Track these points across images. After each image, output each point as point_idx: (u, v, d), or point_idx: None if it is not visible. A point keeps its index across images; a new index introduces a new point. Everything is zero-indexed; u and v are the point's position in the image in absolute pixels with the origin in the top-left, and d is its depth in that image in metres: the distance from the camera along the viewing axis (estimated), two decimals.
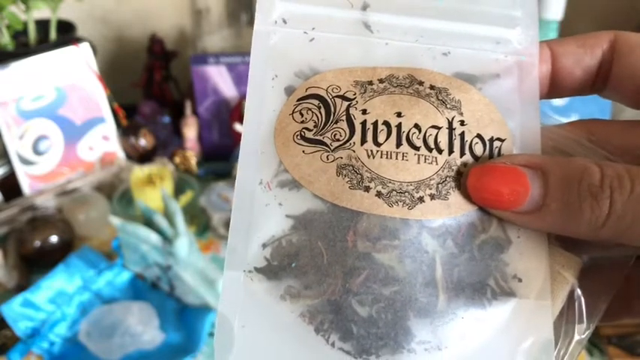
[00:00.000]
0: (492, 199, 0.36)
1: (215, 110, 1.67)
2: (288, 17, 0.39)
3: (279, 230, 0.36)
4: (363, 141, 0.37)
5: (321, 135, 0.37)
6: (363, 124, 0.37)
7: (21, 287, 1.20)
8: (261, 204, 0.36)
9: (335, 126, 0.37)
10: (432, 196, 0.36)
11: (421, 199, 0.36)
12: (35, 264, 1.29)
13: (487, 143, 0.38)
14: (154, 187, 1.37)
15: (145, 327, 1.10)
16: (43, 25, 1.51)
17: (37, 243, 1.27)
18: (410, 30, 0.40)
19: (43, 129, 1.46)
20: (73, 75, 1.48)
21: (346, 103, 0.38)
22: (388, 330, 0.35)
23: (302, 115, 0.38)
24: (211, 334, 1.10)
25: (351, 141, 0.37)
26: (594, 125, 0.40)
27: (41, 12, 1.47)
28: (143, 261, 1.19)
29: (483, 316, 0.36)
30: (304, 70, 0.39)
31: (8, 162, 1.43)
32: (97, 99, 1.53)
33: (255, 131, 0.38)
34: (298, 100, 0.38)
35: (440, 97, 0.38)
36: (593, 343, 1.14)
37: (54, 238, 1.29)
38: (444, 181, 0.36)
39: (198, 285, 1.16)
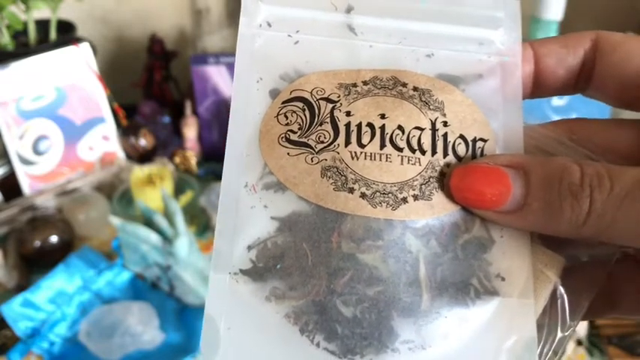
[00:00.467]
0: (475, 199, 0.36)
1: (215, 110, 1.67)
2: (272, 20, 0.40)
3: (264, 232, 0.36)
4: (347, 143, 0.37)
5: (305, 137, 0.37)
6: (347, 126, 0.37)
7: (21, 287, 1.20)
8: (247, 206, 0.37)
9: (319, 128, 0.37)
10: (416, 197, 0.36)
11: (405, 200, 0.36)
12: (35, 264, 1.29)
13: (470, 144, 0.38)
14: (154, 187, 1.37)
15: (145, 327, 1.10)
16: (43, 25, 1.52)
17: (37, 243, 1.27)
18: (394, 32, 0.40)
19: (43, 129, 1.46)
20: (73, 75, 1.48)
21: (330, 106, 0.38)
22: (372, 330, 0.35)
23: (287, 117, 0.38)
24: None
25: (336, 143, 0.37)
26: (576, 124, 0.40)
27: (41, 12, 1.47)
28: (143, 261, 1.19)
29: (467, 315, 0.36)
30: (289, 73, 0.39)
31: (8, 162, 1.44)
32: (97, 99, 1.54)
33: (241, 134, 0.38)
34: (283, 103, 0.38)
35: (423, 99, 0.38)
36: (593, 343, 1.14)
37: (54, 238, 1.29)
38: (427, 182, 0.37)
39: (198, 285, 1.16)
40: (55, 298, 1.14)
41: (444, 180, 0.37)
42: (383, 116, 0.38)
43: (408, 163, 0.37)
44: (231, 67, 1.61)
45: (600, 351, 1.12)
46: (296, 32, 0.40)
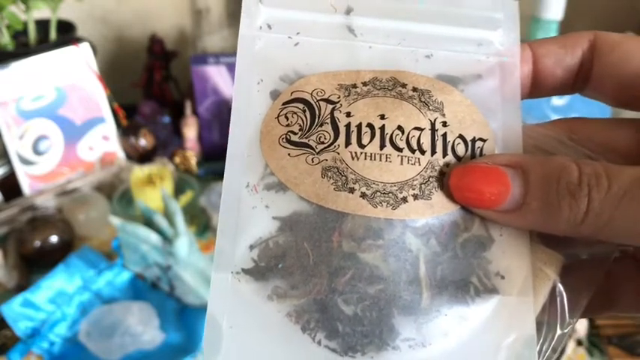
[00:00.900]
0: (474, 199, 0.36)
1: (215, 110, 1.67)
2: (272, 22, 0.40)
3: (266, 232, 0.37)
4: (348, 143, 0.37)
5: (306, 138, 0.38)
6: (348, 126, 0.38)
7: (21, 287, 1.20)
8: (248, 206, 0.37)
9: (320, 129, 0.38)
10: (416, 197, 0.37)
11: (405, 200, 0.36)
12: (35, 264, 1.29)
13: (469, 143, 0.39)
14: (154, 187, 1.37)
15: (145, 327, 1.10)
16: (43, 25, 1.52)
17: (37, 243, 1.27)
18: (393, 33, 0.40)
19: (43, 129, 1.46)
20: (73, 75, 1.48)
21: (331, 107, 0.38)
22: (373, 328, 0.35)
23: (287, 118, 0.38)
24: None
25: (336, 143, 0.37)
26: (575, 124, 0.41)
27: (41, 12, 1.47)
28: (143, 261, 1.19)
29: (467, 313, 0.36)
30: (289, 75, 0.39)
31: (8, 162, 1.44)
32: (97, 99, 1.54)
33: (242, 135, 0.38)
34: (283, 104, 0.39)
35: (422, 99, 0.39)
36: (593, 343, 1.14)
37: (54, 238, 1.29)
38: (426, 182, 0.37)
39: (198, 285, 1.16)
40: (55, 298, 1.14)
41: (443, 179, 0.37)
42: (383, 117, 0.38)
43: (408, 163, 0.37)
44: (231, 67, 1.61)
45: (600, 351, 1.13)
46: (296, 34, 0.40)
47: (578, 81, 0.41)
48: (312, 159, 0.37)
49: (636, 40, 0.39)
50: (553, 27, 1.49)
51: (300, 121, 0.38)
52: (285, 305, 0.35)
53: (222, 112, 1.66)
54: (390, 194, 0.36)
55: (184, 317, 1.17)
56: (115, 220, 1.15)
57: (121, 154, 1.60)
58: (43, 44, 1.49)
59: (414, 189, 0.37)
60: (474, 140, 0.39)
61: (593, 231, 0.34)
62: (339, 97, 0.39)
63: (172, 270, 1.16)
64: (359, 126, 0.38)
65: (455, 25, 0.41)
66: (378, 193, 0.36)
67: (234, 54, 0.39)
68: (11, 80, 1.40)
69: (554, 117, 1.41)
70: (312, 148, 0.37)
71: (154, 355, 1.09)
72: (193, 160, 1.61)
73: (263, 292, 0.36)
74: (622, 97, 0.40)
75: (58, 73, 1.46)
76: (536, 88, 0.41)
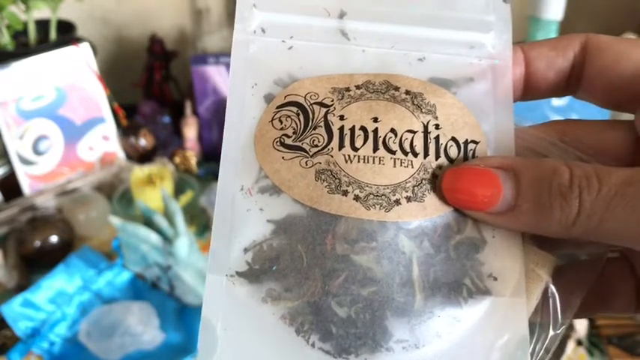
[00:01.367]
0: (467, 201, 0.37)
1: (215, 110, 1.67)
2: (266, 27, 0.40)
3: (260, 235, 0.37)
4: (341, 146, 0.37)
5: (300, 141, 0.38)
6: (341, 129, 0.38)
7: (21, 287, 1.20)
8: (243, 209, 0.37)
9: (313, 132, 0.38)
10: (409, 199, 0.37)
11: (398, 202, 0.37)
12: (35, 264, 1.29)
13: (462, 146, 0.39)
14: (154, 187, 1.37)
15: (145, 327, 1.10)
16: (43, 25, 1.52)
17: (37, 243, 1.28)
18: (386, 37, 0.41)
19: (43, 129, 1.46)
20: (73, 75, 1.49)
21: (324, 110, 0.39)
22: (367, 330, 0.35)
23: (281, 122, 0.38)
24: None
25: (329, 146, 0.38)
26: (567, 126, 0.41)
27: (41, 12, 1.47)
28: (143, 261, 1.19)
29: (460, 315, 0.36)
30: (283, 78, 0.40)
31: (8, 162, 1.44)
32: (97, 99, 1.54)
33: (236, 138, 0.38)
34: (277, 108, 0.39)
35: (415, 102, 0.39)
36: (594, 343, 1.14)
37: (54, 238, 1.29)
38: (419, 184, 0.37)
39: (198, 285, 1.16)
40: (55, 298, 1.15)
41: (436, 182, 0.38)
42: (376, 120, 0.38)
43: (401, 165, 0.37)
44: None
45: (600, 351, 1.13)
46: (290, 38, 0.40)
47: (570, 83, 0.41)
48: (306, 162, 0.37)
49: (627, 42, 0.39)
50: (553, 27, 1.49)
51: (294, 125, 0.38)
52: (279, 308, 0.36)
53: (222, 112, 1.65)
54: (383, 197, 0.37)
55: (184, 317, 1.17)
56: (115, 220, 1.15)
57: (121, 154, 1.60)
58: (43, 44, 1.49)
59: (407, 191, 0.37)
60: (466, 143, 0.39)
61: (584, 232, 0.34)
62: (332, 101, 0.39)
63: (172, 270, 1.16)
64: (352, 129, 0.38)
65: (447, 28, 0.41)
66: (372, 196, 0.37)
67: None
68: (11, 80, 1.40)
69: (554, 118, 1.41)
70: (305, 151, 0.38)
71: (153, 355, 1.09)
72: (193, 160, 1.61)
73: (257, 294, 0.36)
74: (613, 99, 0.40)
75: (58, 73, 1.46)
76: (529, 90, 0.42)
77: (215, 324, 0.35)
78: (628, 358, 1.12)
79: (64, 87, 1.48)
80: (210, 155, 1.71)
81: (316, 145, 0.38)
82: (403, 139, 0.38)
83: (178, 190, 1.46)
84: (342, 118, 0.38)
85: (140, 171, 1.41)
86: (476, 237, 0.38)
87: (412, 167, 0.37)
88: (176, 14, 1.88)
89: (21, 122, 1.42)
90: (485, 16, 0.41)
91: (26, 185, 1.46)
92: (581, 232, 0.34)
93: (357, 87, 0.39)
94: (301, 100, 0.39)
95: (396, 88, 0.39)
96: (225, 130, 0.39)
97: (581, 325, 1.13)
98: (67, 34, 1.55)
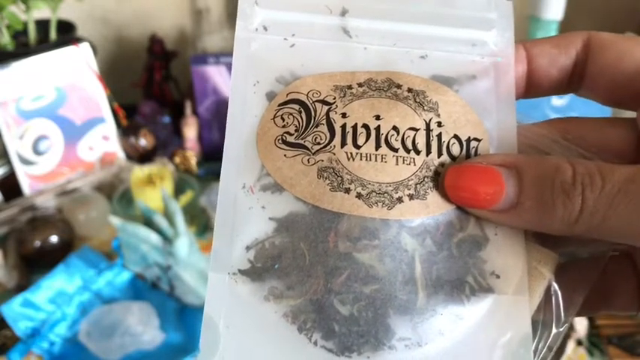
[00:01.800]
0: (469, 198, 0.37)
1: (215, 110, 1.67)
2: (268, 24, 0.40)
3: (262, 233, 0.37)
4: (343, 144, 0.37)
5: (302, 139, 0.38)
6: (343, 127, 0.38)
7: (21, 287, 1.20)
8: (245, 207, 0.37)
9: (315, 130, 0.38)
10: (411, 197, 0.37)
11: (400, 200, 0.37)
12: (35, 264, 1.29)
13: (464, 143, 0.39)
14: (154, 187, 1.37)
15: (145, 327, 1.10)
16: (43, 25, 1.52)
17: (37, 243, 1.27)
18: (388, 34, 0.41)
19: (43, 129, 1.46)
20: (73, 75, 1.48)
21: (326, 108, 0.38)
22: (369, 327, 0.35)
23: (283, 119, 0.38)
24: None
25: (332, 144, 0.37)
26: (570, 123, 0.41)
27: (41, 12, 1.47)
28: (143, 261, 1.19)
29: (462, 313, 0.36)
30: (285, 76, 0.40)
31: (8, 162, 1.44)
32: (97, 99, 1.54)
33: (238, 136, 0.38)
34: (279, 105, 0.39)
35: (417, 100, 0.39)
36: (594, 343, 1.14)
37: (54, 238, 1.29)
38: (422, 182, 0.37)
39: (198, 285, 1.16)
40: (55, 298, 1.15)
41: (438, 179, 0.38)
42: (378, 117, 0.38)
43: (403, 163, 0.37)
44: (231, 67, 1.60)
45: (600, 351, 1.12)
46: (291, 35, 0.40)
47: (573, 81, 0.41)
48: (308, 160, 0.37)
49: (630, 40, 0.39)
50: (553, 27, 1.49)
51: (296, 122, 0.38)
52: (281, 306, 0.36)
53: (222, 112, 1.66)
54: (386, 194, 0.37)
55: (184, 317, 1.17)
56: (115, 220, 1.15)
57: (121, 154, 1.60)
58: (43, 44, 1.49)
59: (409, 189, 0.37)
60: (468, 140, 0.39)
61: (587, 230, 0.34)
62: (334, 98, 0.39)
63: (172, 270, 1.16)
64: (354, 127, 0.38)
65: (449, 25, 0.41)
66: (374, 194, 0.37)
67: None
68: (11, 80, 1.40)
69: (554, 117, 1.41)
70: (307, 148, 0.38)
71: (154, 355, 1.09)
72: (193, 160, 1.61)
73: (259, 292, 0.36)
74: (615, 97, 0.40)
75: (58, 73, 1.46)
76: (531, 87, 0.42)
77: (217, 322, 0.35)
78: (628, 358, 1.12)
79: (64, 87, 1.47)
80: (210, 155, 1.71)
81: (318, 143, 0.38)
82: (405, 136, 0.38)
83: (178, 190, 1.46)
84: (344, 115, 0.38)
85: (140, 171, 1.41)
86: (478, 235, 0.38)
87: (414, 165, 0.37)
88: (176, 14, 1.88)
89: (21, 122, 1.42)
90: (487, 13, 0.41)
91: (26, 185, 1.46)
92: (583, 230, 0.34)
93: (359, 85, 0.39)
94: (303, 98, 0.39)
95: (398, 86, 0.39)
96: (227, 127, 0.38)
97: (581, 325, 1.13)
98: (67, 34, 1.55)
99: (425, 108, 0.39)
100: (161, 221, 1.15)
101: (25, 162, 1.45)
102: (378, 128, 0.38)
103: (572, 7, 1.52)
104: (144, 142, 1.58)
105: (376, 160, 0.37)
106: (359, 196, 0.36)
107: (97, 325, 1.10)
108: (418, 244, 0.37)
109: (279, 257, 0.36)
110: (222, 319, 0.36)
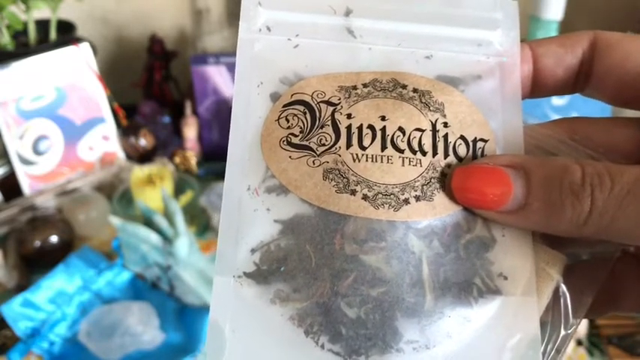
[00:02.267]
0: (476, 200, 0.36)
1: (215, 110, 1.67)
2: (272, 25, 0.40)
3: (267, 235, 0.36)
4: (349, 145, 0.37)
5: (307, 140, 0.38)
6: (348, 128, 0.38)
7: (21, 287, 1.20)
8: (250, 209, 0.37)
9: (320, 131, 0.38)
10: (418, 198, 0.37)
11: (407, 201, 0.36)
12: (35, 264, 1.29)
13: (470, 144, 0.38)
14: (154, 187, 1.37)
15: (145, 327, 1.10)
16: (43, 25, 1.52)
17: (37, 243, 1.27)
18: (392, 34, 0.40)
19: (43, 129, 1.46)
20: (73, 75, 1.49)
21: (331, 108, 0.38)
22: (377, 330, 0.35)
23: (288, 121, 0.38)
24: None
25: (337, 145, 0.37)
26: (577, 123, 0.40)
27: (41, 12, 1.47)
28: (143, 261, 1.19)
29: (470, 315, 0.36)
30: (289, 77, 0.39)
31: (8, 162, 1.44)
32: (97, 99, 1.54)
33: (242, 138, 0.38)
34: (284, 107, 0.39)
35: (423, 100, 0.39)
36: (594, 343, 1.14)
37: (54, 238, 1.29)
38: (428, 183, 0.37)
39: (198, 285, 1.16)
40: (55, 298, 1.15)
41: (445, 181, 0.37)
42: (383, 118, 0.38)
43: (410, 164, 0.37)
44: (231, 67, 1.61)
45: (600, 351, 1.13)
46: (295, 36, 0.40)
47: (579, 80, 0.41)
48: (314, 161, 0.37)
49: (636, 39, 0.39)
50: (553, 27, 1.49)
51: (300, 124, 0.38)
52: (287, 309, 0.35)
53: (222, 112, 1.66)
54: (392, 196, 0.36)
55: (184, 317, 1.17)
56: (115, 220, 1.15)
57: (121, 154, 1.60)
58: (43, 44, 1.49)
59: (415, 190, 0.37)
60: (475, 141, 0.39)
61: (596, 231, 0.34)
62: (339, 99, 0.38)
63: (172, 270, 1.16)
64: (360, 128, 0.38)
65: (454, 25, 0.41)
66: (380, 195, 0.36)
67: (234, 54, 0.39)
68: (11, 80, 1.40)
69: (555, 117, 1.41)
70: (313, 150, 0.37)
71: (154, 355, 1.09)
72: (193, 160, 1.61)
73: (265, 295, 0.36)
74: (622, 97, 0.40)
75: (58, 73, 1.46)
76: (537, 87, 0.41)
77: (223, 326, 0.35)
78: (628, 358, 1.12)
79: (64, 87, 1.47)
80: (210, 155, 1.71)
81: (324, 144, 0.37)
82: (411, 137, 0.38)
83: (178, 190, 1.46)
84: (349, 116, 0.38)
85: (140, 171, 1.41)
86: (486, 236, 0.37)
87: (421, 166, 0.37)
88: (176, 14, 1.88)
89: (21, 122, 1.42)
90: (492, 13, 0.41)
91: (26, 185, 1.46)
92: (592, 231, 0.34)
93: (364, 85, 0.39)
94: (308, 99, 0.39)
95: (404, 86, 0.39)
96: (231, 129, 0.38)
97: (581, 325, 1.13)
98: (67, 34, 1.55)
99: (431, 108, 0.39)
100: (161, 221, 1.15)
101: (25, 162, 1.45)
102: (383, 129, 0.38)
103: (572, 7, 1.52)
104: (144, 142, 1.58)
105: (382, 162, 0.37)
106: (365, 197, 0.36)
107: (97, 325, 1.10)
108: (425, 246, 0.36)
109: (285, 260, 0.36)
110: (227, 322, 0.35)
